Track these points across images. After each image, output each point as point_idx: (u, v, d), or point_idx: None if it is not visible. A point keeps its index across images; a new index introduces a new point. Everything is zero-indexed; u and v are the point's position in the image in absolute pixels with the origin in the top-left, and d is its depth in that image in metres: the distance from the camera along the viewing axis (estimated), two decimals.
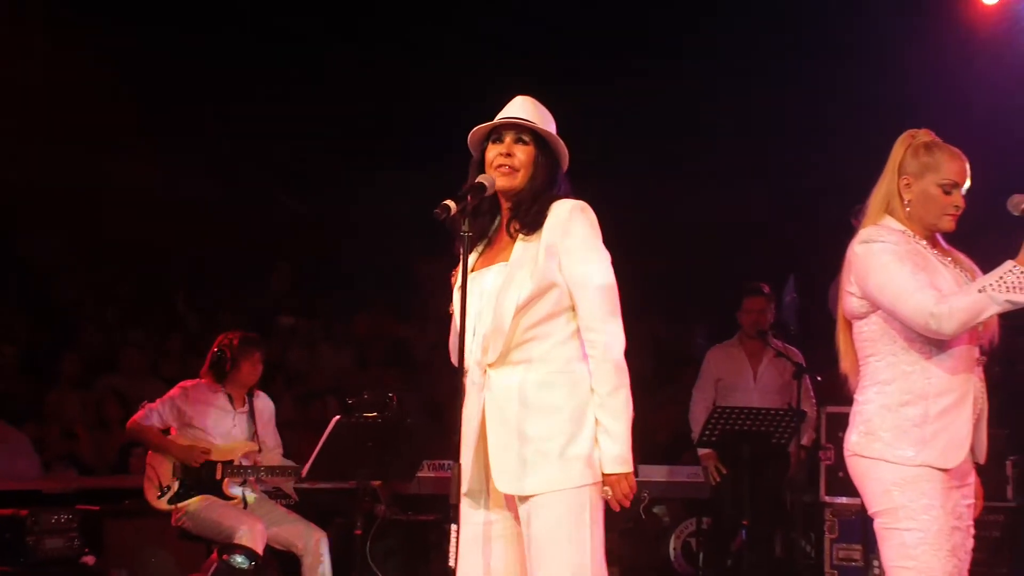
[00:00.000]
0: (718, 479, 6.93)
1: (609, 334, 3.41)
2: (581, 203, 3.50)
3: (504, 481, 3.37)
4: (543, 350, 3.40)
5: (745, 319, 7.17)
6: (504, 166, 3.48)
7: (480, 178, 3.46)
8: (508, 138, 3.52)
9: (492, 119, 3.57)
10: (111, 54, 9.90)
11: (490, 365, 3.42)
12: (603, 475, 3.37)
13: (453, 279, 3.66)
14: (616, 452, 3.36)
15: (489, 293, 3.46)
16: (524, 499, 3.36)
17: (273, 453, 6.47)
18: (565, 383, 3.40)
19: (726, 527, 6.98)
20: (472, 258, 3.54)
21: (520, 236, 3.46)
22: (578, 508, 3.34)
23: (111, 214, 10.16)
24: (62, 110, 9.73)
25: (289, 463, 6.40)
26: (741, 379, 7.15)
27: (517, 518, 3.42)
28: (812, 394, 6.93)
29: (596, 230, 3.48)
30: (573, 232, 3.43)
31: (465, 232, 3.37)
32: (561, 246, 3.42)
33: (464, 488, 3.41)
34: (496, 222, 3.59)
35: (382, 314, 11.26)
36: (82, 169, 10.00)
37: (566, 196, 3.52)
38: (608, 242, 3.51)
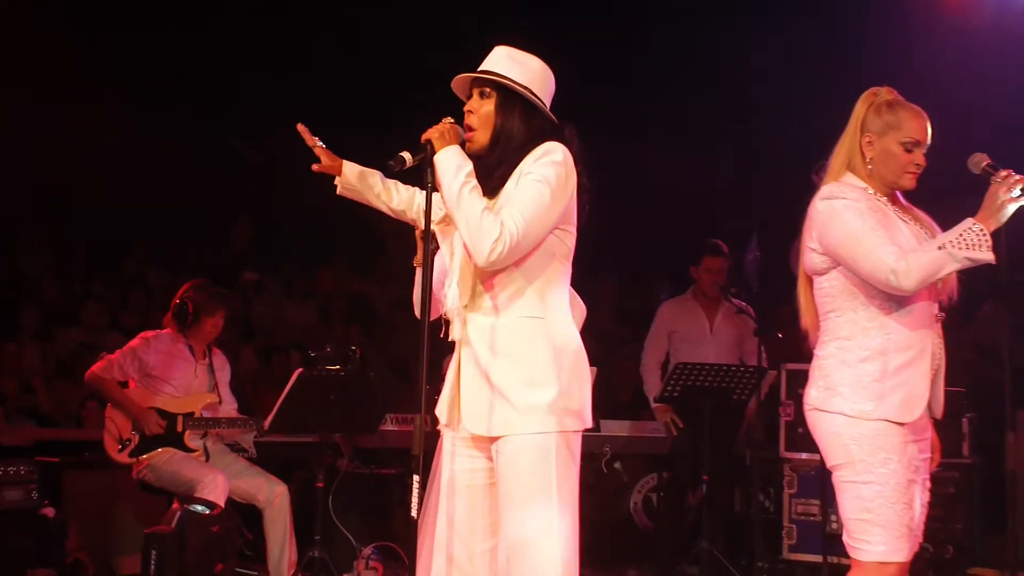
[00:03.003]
0: (676, 431, 7.00)
1: (512, 222, 3.26)
2: (560, 146, 3.38)
3: (471, 422, 3.38)
4: (512, 295, 3.38)
5: (704, 277, 7.22)
6: (466, 125, 3.44)
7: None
8: (475, 93, 3.47)
9: (460, 71, 3.52)
10: (71, 8, 9.75)
11: (465, 308, 3.41)
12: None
13: (418, 232, 3.65)
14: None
15: (461, 248, 3.42)
16: (493, 441, 3.36)
17: (228, 409, 6.46)
18: (534, 328, 3.37)
19: (682, 482, 7.05)
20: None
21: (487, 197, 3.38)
22: (543, 455, 3.31)
23: (71, 167, 10.05)
24: (23, 64, 9.58)
25: (249, 417, 6.40)
26: (697, 332, 7.21)
27: (490, 456, 3.42)
28: (764, 353, 7.00)
29: (568, 171, 3.37)
30: (533, 167, 3.34)
31: (429, 184, 3.35)
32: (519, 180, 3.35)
33: (443, 423, 3.45)
34: None
35: (344, 270, 11.23)
36: (43, 123, 9.87)
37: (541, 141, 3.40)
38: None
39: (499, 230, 3.24)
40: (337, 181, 3.79)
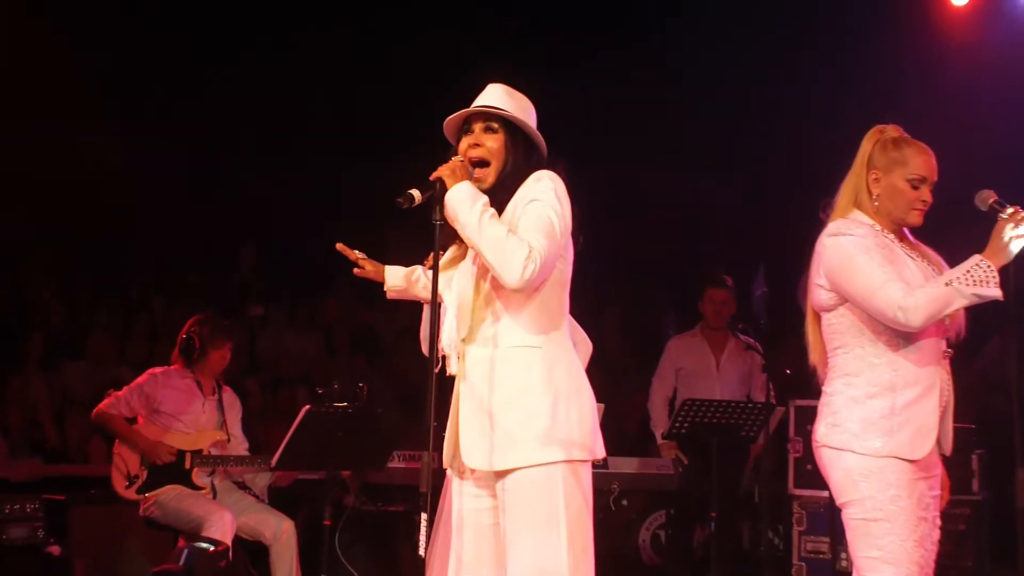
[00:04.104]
0: (682, 467, 7.01)
1: (536, 241, 3.24)
2: (549, 172, 3.40)
3: (470, 455, 3.34)
4: (510, 325, 3.35)
5: (707, 309, 7.24)
6: (474, 158, 3.42)
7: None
8: (477, 128, 3.47)
9: (464, 107, 3.53)
10: (78, 30, 9.78)
11: (463, 341, 3.39)
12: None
13: (426, 267, 3.65)
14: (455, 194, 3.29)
15: (468, 278, 3.42)
16: (498, 476, 3.32)
17: (240, 448, 6.44)
18: (531, 357, 3.33)
19: (690, 519, 7.03)
20: (453, 249, 3.51)
21: None
22: (547, 487, 3.26)
23: (76, 194, 10.06)
24: (28, 87, 9.61)
25: (256, 455, 6.39)
26: (703, 368, 7.21)
27: (494, 494, 3.37)
28: (772, 388, 7.00)
29: (563, 196, 3.36)
30: (532, 193, 3.35)
31: (437, 221, 3.34)
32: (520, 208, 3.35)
33: (446, 463, 3.41)
34: None
35: (350, 300, 11.22)
36: (48, 147, 9.89)
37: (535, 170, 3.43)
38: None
39: (527, 248, 3.22)
40: (386, 288, 4.14)
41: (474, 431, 3.34)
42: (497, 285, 3.34)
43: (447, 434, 3.45)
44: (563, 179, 3.44)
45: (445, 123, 3.55)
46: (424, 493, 3.26)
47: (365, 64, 10.77)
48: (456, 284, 3.44)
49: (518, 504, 3.28)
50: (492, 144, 3.45)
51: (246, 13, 10.53)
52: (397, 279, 4.10)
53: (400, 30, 10.57)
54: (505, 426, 3.30)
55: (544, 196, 3.33)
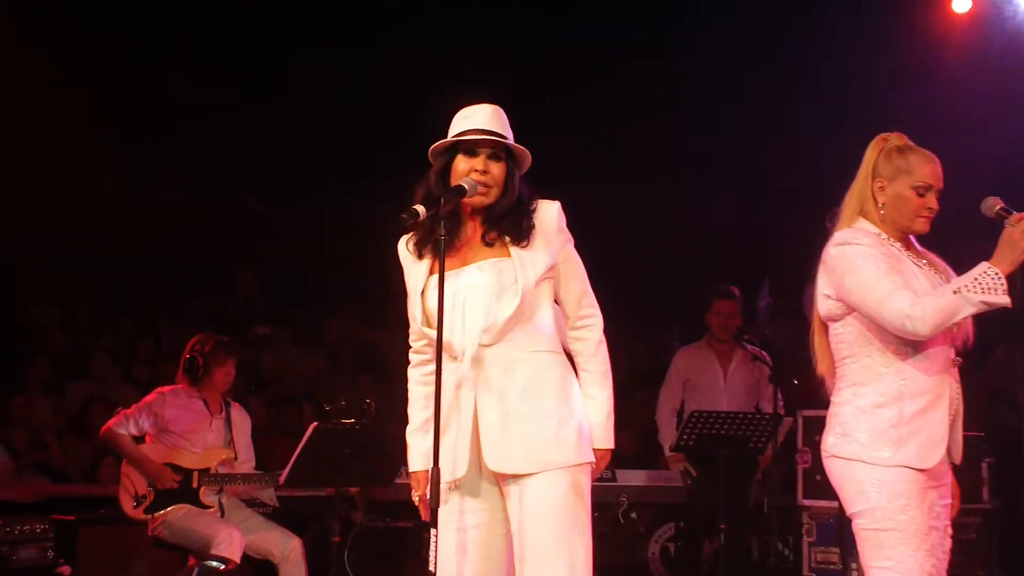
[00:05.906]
0: (690, 480, 7.00)
1: (599, 316, 3.64)
2: (559, 205, 3.57)
3: (496, 460, 3.38)
4: (530, 333, 3.45)
5: (714, 321, 7.25)
6: (481, 183, 3.47)
7: (462, 181, 3.45)
8: (483, 154, 3.51)
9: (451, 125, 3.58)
10: (76, 56, 9.80)
11: (483, 345, 3.42)
12: (594, 449, 3.50)
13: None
14: (609, 427, 3.55)
15: (475, 289, 3.45)
16: (517, 479, 3.37)
17: (245, 466, 6.42)
18: (554, 363, 3.48)
19: (699, 531, 7.01)
20: (426, 262, 3.55)
21: (511, 244, 3.47)
22: (574, 488, 3.38)
23: (79, 218, 10.07)
24: (29, 113, 9.63)
25: (264, 472, 6.37)
26: (710, 379, 7.21)
27: (502, 504, 3.43)
28: (781, 399, 6.99)
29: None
30: (567, 240, 3.56)
31: (441, 236, 3.38)
32: (560, 250, 3.54)
33: (462, 472, 3.41)
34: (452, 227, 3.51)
35: (352, 318, 11.22)
36: (49, 173, 9.91)
37: (531, 197, 3.56)
38: (577, 246, 3.62)
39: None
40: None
41: (502, 434, 3.39)
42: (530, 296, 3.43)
43: (451, 443, 3.43)
44: (551, 194, 3.61)
45: (441, 142, 3.55)
46: (433, 509, 3.27)
47: (364, 84, 10.78)
48: (475, 298, 3.46)
49: (549, 506, 3.34)
50: (497, 172, 3.51)
51: (243, 36, 10.55)
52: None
53: (400, 51, 10.58)
54: (543, 428, 3.39)
55: (571, 249, 3.60)
